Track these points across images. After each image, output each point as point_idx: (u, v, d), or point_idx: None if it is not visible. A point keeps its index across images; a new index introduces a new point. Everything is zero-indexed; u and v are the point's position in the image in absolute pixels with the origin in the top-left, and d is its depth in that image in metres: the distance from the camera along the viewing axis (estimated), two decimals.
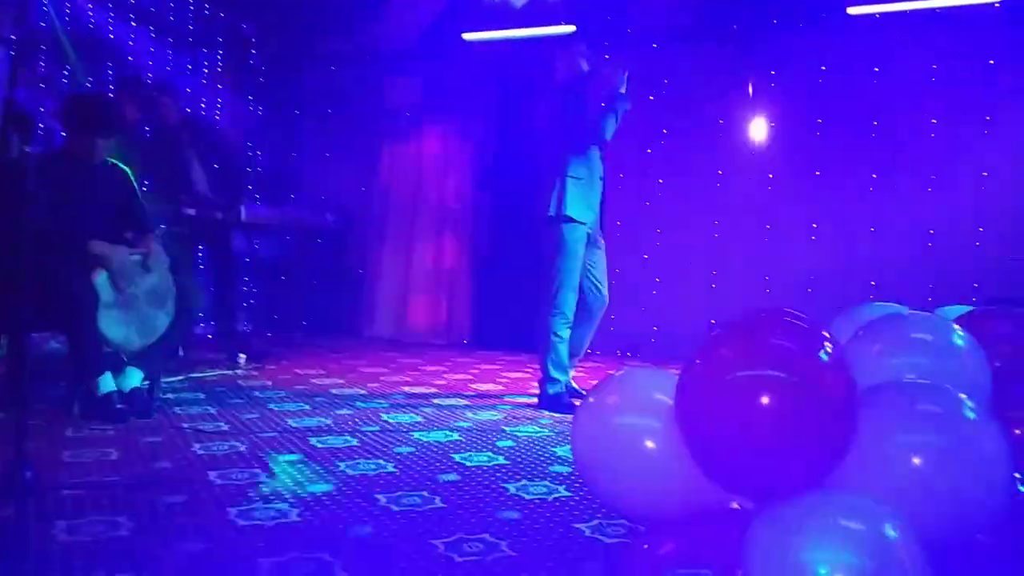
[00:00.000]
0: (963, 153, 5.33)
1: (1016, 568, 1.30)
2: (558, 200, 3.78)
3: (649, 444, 1.35)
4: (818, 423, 1.20)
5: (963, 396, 1.28)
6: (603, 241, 4.02)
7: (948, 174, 5.36)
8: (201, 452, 2.74)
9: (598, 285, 3.96)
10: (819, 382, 1.23)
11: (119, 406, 3.19)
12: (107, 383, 3.22)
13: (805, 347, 1.25)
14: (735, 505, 1.33)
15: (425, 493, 2.33)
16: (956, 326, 1.54)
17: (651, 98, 5.68)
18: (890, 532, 1.14)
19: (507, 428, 3.35)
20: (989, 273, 5.18)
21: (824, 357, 1.24)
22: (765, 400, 1.18)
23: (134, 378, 3.37)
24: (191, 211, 4.58)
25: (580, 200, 3.81)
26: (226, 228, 5.28)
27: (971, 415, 1.25)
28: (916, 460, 1.20)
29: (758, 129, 5.77)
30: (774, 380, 1.20)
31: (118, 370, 3.33)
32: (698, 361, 1.29)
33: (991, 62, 5.25)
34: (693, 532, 1.35)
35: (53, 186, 3.30)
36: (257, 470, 2.52)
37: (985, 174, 5.28)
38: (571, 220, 3.79)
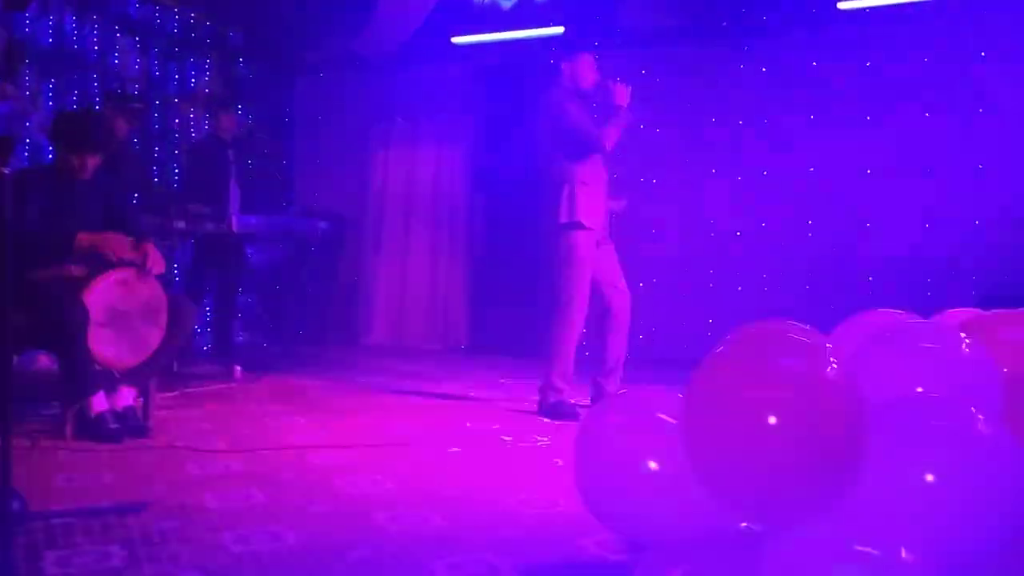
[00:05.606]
0: (958, 146, 5.29)
1: None
2: (569, 206, 3.74)
3: (653, 465, 1.32)
4: (828, 442, 1.16)
5: (974, 410, 1.24)
6: (611, 241, 3.98)
7: (943, 168, 5.32)
8: (196, 472, 2.69)
9: (615, 283, 3.91)
10: (828, 400, 1.19)
11: (113, 426, 3.13)
12: (100, 402, 3.17)
13: (811, 364, 1.22)
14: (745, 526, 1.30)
15: (424, 511, 2.29)
16: (962, 334, 1.50)
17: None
18: (907, 556, 1.10)
19: (507, 438, 3.31)
20: (988, 269, 5.15)
21: (831, 374, 1.20)
22: (772, 420, 1.14)
23: (127, 396, 3.32)
24: (181, 224, 4.52)
25: (590, 205, 3.78)
26: (241, 244, 5.27)
27: (986, 430, 1.21)
28: (930, 478, 1.17)
29: (750, 127, 5.74)
30: (781, 400, 1.16)
31: (111, 388, 3.28)
32: (702, 380, 1.26)
33: (982, 54, 5.23)
34: (702, 554, 1.31)
35: (43, 201, 3.27)
36: (253, 490, 2.48)
37: (980, 166, 5.25)
38: (582, 226, 3.75)
